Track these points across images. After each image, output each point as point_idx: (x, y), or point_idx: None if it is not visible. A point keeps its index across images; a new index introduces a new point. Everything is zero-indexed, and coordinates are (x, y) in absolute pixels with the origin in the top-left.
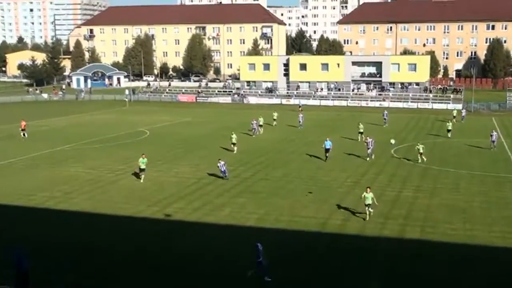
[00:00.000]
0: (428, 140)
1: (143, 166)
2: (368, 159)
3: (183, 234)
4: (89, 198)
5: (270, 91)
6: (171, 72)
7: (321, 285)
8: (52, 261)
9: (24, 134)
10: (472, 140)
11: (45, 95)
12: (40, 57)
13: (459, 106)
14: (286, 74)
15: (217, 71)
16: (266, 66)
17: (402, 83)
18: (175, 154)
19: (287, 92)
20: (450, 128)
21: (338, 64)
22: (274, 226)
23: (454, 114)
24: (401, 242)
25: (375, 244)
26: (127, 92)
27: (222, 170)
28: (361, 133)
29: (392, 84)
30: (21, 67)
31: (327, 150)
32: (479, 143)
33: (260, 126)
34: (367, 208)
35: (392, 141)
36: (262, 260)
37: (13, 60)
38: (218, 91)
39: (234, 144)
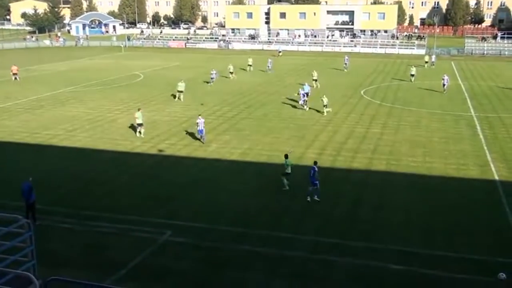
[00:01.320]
0: (393, 83)
1: (139, 121)
2: (305, 107)
3: (176, 167)
4: (90, 136)
5: (253, 37)
6: (162, 20)
7: (300, 209)
8: (55, 192)
9: (15, 78)
10: (434, 82)
11: (47, 42)
12: (42, 6)
13: (424, 51)
14: (267, 22)
15: (204, 19)
16: (249, 15)
17: (371, 30)
18: (167, 95)
19: (268, 39)
20: (413, 73)
21: (315, 13)
22: (256, 160)
23: (426, 60)
24: (368, 173)
25: (346, 175)
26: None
27: (200, 129)
28: (315, 80)
29: (363, 31)
30: (24, 15)
31: (306, 94)
32: (439, 85)
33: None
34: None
35: (324, 100)
36: (317, 182)
37: (17, 9)
38: (205, 37)
39: (181, 92)
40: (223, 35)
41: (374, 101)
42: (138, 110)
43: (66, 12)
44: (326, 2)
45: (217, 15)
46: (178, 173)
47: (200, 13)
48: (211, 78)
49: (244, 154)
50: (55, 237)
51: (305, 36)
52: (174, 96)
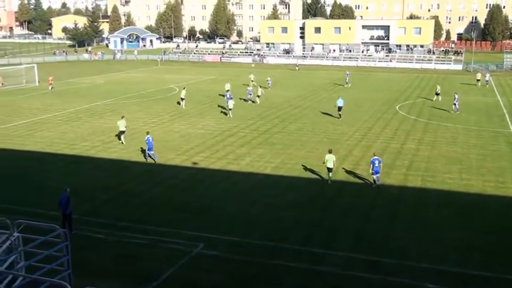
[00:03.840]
0: (429, 98)
1: (123, 128)
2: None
3: (209, 180)
4: (125, 148)
5: (287, 52)
6: (198, 35)
7: (333, 224)
8: (91, 202)
9: (51, 88)
10: (472, 98)
11: (86, 55)
12: (82, 21)
13: (461, 67)
14: (302, 37)
15: (239, 33)
16: (284, 29)
17: (407, 45)
18: (202, 108)
19: (303, 53)
20: (439, 91)
21: (350, 28)
22: (290, 174)
23: (478, 77)
24: (403, 189)
25: (380, 191)
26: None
27: (149, 145)
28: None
29: (399, 46)
30: (64, 30)
31: (339, 108)
32: (477, 101)
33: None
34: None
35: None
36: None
37: (58, 23)
38: (240, 52)
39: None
40: (257, 49)
41: (409, 117)
42: (122, 118)
43: (105, 26)
44: (361, 17)
45: (252, 30)
46: (212, 186)
47: (235, 27)
48: (249, 94)
49: (278, 168)
50: (89, 247)
51: (340, 51)
52: (178, 103)
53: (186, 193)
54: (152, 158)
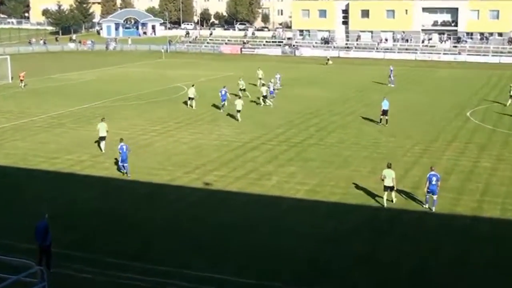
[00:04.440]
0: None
1: (103, 134)
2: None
3: (225, 205)
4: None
5: (326, 42)
6: (213, 19)
7: (382, 262)
8: (76, 231)
9: (23, 86)
10: None
11: (72, 45)
12: (67, 2)
13: None
14: (345, 22)
15: (265, 18)
16: (322, 13)
17: (481, 34)
18: (217, 113)
19: (346, 43)
20: None
21: (406, 11)
22: (328, 199)
23: None
24: (477, 220)
25: (446, 223)
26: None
27: (123, 156)
28: None
29: (470, 34)
30: (45, 13)
31: (384, 112)
32: None
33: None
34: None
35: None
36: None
37: (37, 5)
38: (266, 41)
39: (192, 99)
40: (288, 38)
41: (484, 126)
42: (102, 120)
43: (96, 8)
44: None
45: (282, 13)
46: (228, 212)
47: (260, 10)
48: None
49: (313, 192)
50: None
51: (394, 41)
52: (186, 103)
53: (196, 222)
54: (125, 173)
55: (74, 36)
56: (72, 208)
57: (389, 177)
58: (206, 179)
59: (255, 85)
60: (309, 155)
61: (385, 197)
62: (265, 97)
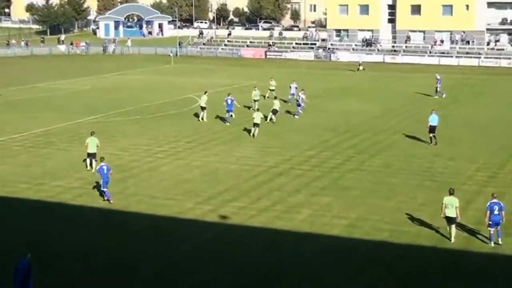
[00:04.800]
0: None
1: (92, 150)
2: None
3: (246, 243)
4: (120, 191)
5: (369, 43)
6: (231, 17)
7: None
8: (63, 277)
9: None
10: None
11: (62, 47)
12: None
13: None
14: (392, 20)
15: (295, 15)
16: (364, 9)
17: None
18: (236, 131)
19: (393, 46)
20: None
21: (467, 6)
22: (372, 237)
23: None
24: None
25: None
26: None
27: (104, 180)
28: None
29: None
30: (30, 8)
31: (432, 129)
32: None
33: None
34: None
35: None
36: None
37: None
38: (296, 43)
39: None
40: (323, 40)
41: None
42: (91, 134)
43: (92, 3)
44: None
45: (314, 9)
46: (250, 253)
47: (289, 6)
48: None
49: (353, 227)
50: None
51: (451, 43)
52: (197, 116)
53: (211, 264)
54: (106, 198)
55: (62, 37)
56: (60, 247)
57: (452, 206)
58: (222, 211)
59: (264, 96)
60: (348, 183)
61: (450, 232)
62: (275, 112)
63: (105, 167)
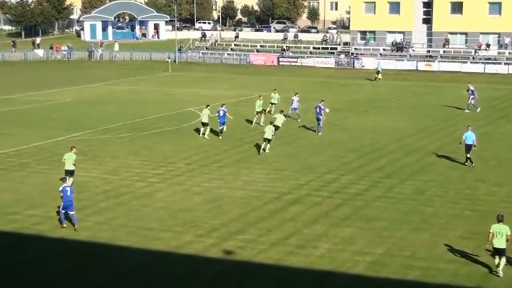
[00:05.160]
0: None
1: (70, 167)
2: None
3: (255, 283)
4: (107, 221)
5: (399, 48)
6: (239, 16)
7: None
8: None
9: None
10: None
11: (39, 52)
12: None
13: None
14: (427, 20)
15: (312, 15)
16: (394, 7)
17: None
18: (244, 151)
19: (428, 51)
20: None
21: None
22: (401, 276)
23: None
24: None
25: None
26: None
27: (65, 201)
28: None
29: None
30: (2, 6)
31: (468, 148)
32: None
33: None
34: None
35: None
36: None
37: None
38: (313, 47)
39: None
40: (345, 44)
41: None
42: (71, 149)
43: (75, 0)
44: None
45: (336, 8)
46: None
47: (306, 3)
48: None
49: (379, 265)
50: None
51: (500, 47)
52: (198, 131)
53: None
54: (71, 221)
55: (38, 40)
56: (38, 286)
57: (502, 235)
58: (227, 245)
59: (265, 111)
60: (373, 212)
61: (498, 265)
62: (276, 128)
63: (68, 189)
